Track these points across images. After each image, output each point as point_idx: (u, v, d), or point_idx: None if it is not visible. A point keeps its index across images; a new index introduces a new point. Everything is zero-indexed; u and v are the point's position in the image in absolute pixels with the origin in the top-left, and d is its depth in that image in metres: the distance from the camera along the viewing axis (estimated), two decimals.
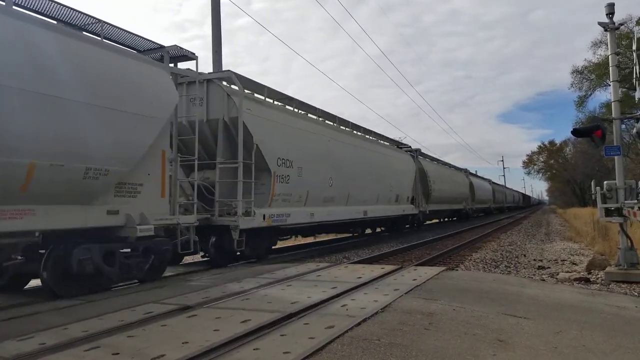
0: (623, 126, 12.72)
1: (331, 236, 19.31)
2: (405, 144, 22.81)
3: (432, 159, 28.18)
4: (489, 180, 52.05)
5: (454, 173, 32.97)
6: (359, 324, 4.49)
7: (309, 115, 13.98)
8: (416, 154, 23.43)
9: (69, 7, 6.74)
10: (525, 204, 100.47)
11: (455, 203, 31.46)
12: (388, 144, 20.65)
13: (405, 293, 6.03)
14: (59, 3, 6.61)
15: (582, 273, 9.18)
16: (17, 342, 4.10)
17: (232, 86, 10.49)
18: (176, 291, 6.49)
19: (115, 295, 6.41)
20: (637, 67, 9.08)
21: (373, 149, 17.86)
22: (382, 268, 8.48)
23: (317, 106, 14.51)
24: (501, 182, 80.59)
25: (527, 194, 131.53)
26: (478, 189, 39.68)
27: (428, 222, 28.54)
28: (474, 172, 45.93)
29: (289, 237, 13.93)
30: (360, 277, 7.34)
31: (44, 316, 5.19)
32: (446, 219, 34.91)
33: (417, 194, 22.31)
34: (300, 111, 13.59)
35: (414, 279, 7.12)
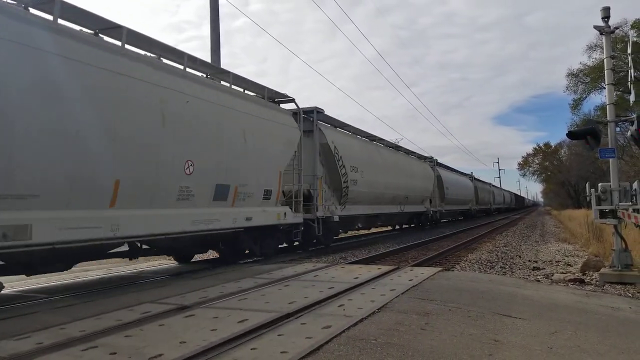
0: (618, 129, 12.83)
1: None
2: (286, 97, 12.21)
3: (357, 131, 17.51)
4: (470, 176, 41.48)
5: (403, 159, 22.03)
6: (355, 324, 4.51)
7: None
8: (312, 118, 13.84)
9: None
10: (519, 206, 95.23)
11: (410, 204, 21.80)
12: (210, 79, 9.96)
13: (402, 293, 6.06)
14: None
15: (576, 274, 9.24)
16: (14, 341, 4.10)
17: None
18: (174, 290, 6.49)
19: (112, 295, 6.41)
20: (632, 70, 9.16)
21: (122, 70, 7.16)
22: (379, 268, 8.51)
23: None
24: (494, 183, 74.97)
25: (521, 194, 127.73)
26: (451, 186, 30.17)
27: (353, 232, 19.85)
28: (455, 168, 37.44)
29: None
30: (357, 278, 7.37)
31: (41, 316, 5.19)
32: (402, 226, 24.82)
33: (314, 190, 13.36)
34: None
35: (411, 279, 7.16)
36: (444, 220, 32.03)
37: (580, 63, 39.95)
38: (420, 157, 26.25)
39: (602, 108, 33.73)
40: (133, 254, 8.56)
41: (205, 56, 13.20)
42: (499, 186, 77.00)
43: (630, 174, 29.27)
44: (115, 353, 3.73)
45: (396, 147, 21.95)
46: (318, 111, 14.11)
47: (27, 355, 3.74)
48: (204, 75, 9.82)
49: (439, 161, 29.72)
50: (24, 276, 8.89)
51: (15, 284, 8.34)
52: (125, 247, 8.18)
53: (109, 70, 6.92)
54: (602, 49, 9.54)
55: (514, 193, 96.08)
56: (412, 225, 25.70)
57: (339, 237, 17.61)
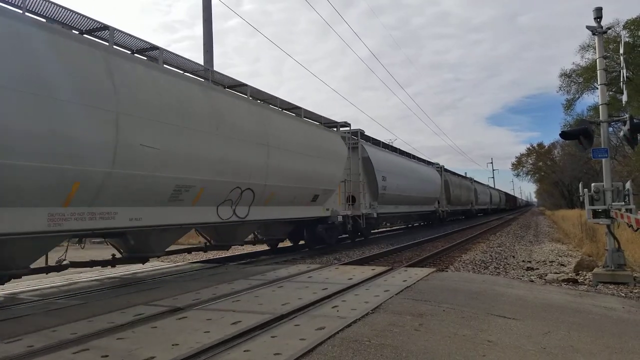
0: (610, 129, 12.90)
1: None
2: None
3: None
4: (438, 166, 30.70)
5: (266, 114, 10.75)
6: (349, 325, 4.50)
7: None
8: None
9: None
10: (510, 206, 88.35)
11: (285, 204, 11.64)
12: None
13: (396, 294, 6.05)
14: None
15: (570, 274, 9.28)
16: (5, 344, 4.06)
17: None
18: (167, 292, 6.46)
19: (105, 297, 6.36)
20: (624, 70, 9.20)
21: None
22: (373, 269, 8.50)
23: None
24: (487, 183, 68.10)
25: (514, 194, 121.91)
26: (391, 174, 19.09)
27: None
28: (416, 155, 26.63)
29: None
30: (350, 279, 7.35)
31: (33, 318, 5.15)
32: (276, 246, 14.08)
33: None
34: None
35: (405, 280, 7.15)
36: (382, 229, 22.30)
37: (573, 63, 40.15)
38: (323, 122, 14.06)
39: (595, 108, 33.91)
40: None
41: (198, 56, 13.03)
42: (485, 183, 66.59)
43: (623, 174, 29.44)
44: (107, 355, 3.70)
45: (266, 101, 11.51)
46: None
47: (18, 358, 3.70)
48: None
49: (365, 133, 18.14)
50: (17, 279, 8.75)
51: (7, 286, 8.25)
52: None
53: None
54: (595, 49, 9.58)
55: (504, 192, 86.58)
56: (300, 243, 14.82)
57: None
